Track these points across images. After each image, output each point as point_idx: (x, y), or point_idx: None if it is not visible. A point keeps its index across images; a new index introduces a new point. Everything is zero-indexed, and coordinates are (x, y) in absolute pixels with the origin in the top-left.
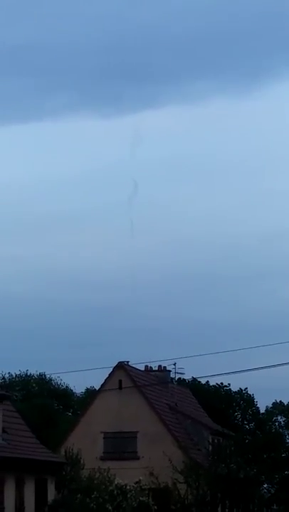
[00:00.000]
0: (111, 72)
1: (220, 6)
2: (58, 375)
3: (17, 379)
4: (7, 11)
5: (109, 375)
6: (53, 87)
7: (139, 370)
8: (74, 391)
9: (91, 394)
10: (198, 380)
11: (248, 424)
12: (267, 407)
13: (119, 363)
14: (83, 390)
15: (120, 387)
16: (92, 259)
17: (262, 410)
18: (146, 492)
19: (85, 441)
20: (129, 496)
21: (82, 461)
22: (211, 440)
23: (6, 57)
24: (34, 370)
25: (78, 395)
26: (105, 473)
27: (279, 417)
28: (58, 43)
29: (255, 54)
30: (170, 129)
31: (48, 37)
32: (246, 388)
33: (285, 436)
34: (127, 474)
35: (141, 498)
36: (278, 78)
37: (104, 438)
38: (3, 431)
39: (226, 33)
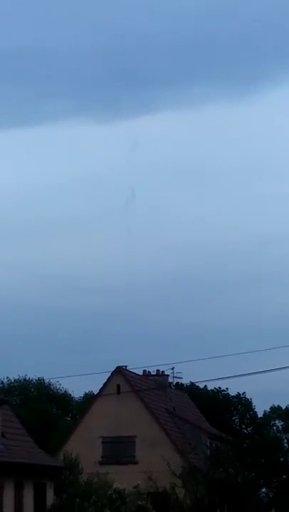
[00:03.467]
0: (108, 77)
1: (217, 11)
2: (57, 379)
3: (16, 384)
4: (4, 17)
5: (108, 379)
6: (51, 93)
7: (138, 374)
8: (72, 396)
9: (89, 398)
10: (197, 384)
11: (246, 429)
12: (265, 411)
13: (117, 367)
14: (82, 395)
15: (118, 392)
16: (90, 264)
17: (260, 414)
18: (145, 496)
19: (83, 446)
20: (127, 500)
21: (80, 466)
22: (209, 444)
23: (4, 62)
24: (33, 375)
25: (77, 399)
26: (104, 478)
27: (277, 421)
28: (55, 48)
29: (252, 59)
30: (167, 134)
31: (45, 43)
32: (244, 392)
33: (283, 440)
34: (125, 478)
35: (139, 503)
36: (275, 83)
37: (102, 442)
38: (2, 435)
39: (222, 39)
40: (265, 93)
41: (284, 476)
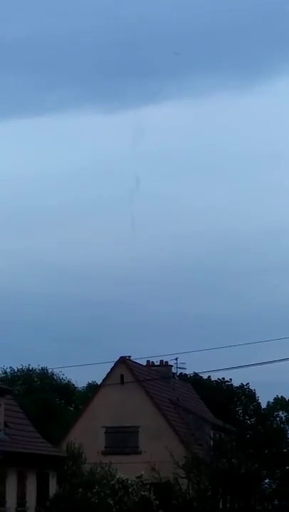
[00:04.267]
0: (113, 67)
1: (221, 1)
2: (60, 369)
3: (19, 373)
4: (10, 6)
5: (111, 369)
6: (56, 82)
7: (141, 364)
8: (76, 386)
9: (93, 388)
10: (200, 374)
11: (249, 419)
12: (268, 402)
13: (121, 357)
14: (85, 385)
15: (122, 382)
16: (94, 253)
17: (263, 405)
18: (148, 487)
19: (86, 436)
20: (130, 490)
21: (83, 456)
22: (212, 435)
23: (9, 51)
24: (36, 365)
25: (80, 389)
26: (107, 468)
27: (280, 412)
28: (60, 38)
29: (256, 49)
30: (171, 123)
31: (50, 32)
32: (248, 383)
33: (287, 431)
34: (128, 469)
35: (142, 493)
36: (279, 73)
37: (105, 432)
38: (5, 425)
39: (227, 28)
40: (269, 83)
41: (287, 467)
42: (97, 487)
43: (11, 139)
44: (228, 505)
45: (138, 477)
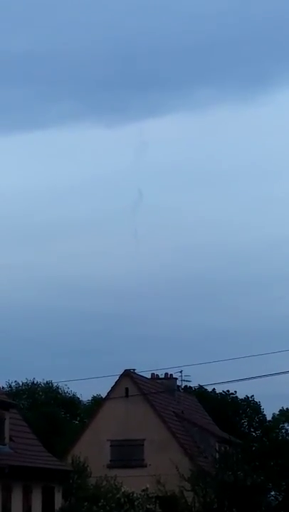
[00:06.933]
0: (115, 80)
1: (223, 13)
2: (65, 383)
3: (24, 387)
4: (12, 20)
5: (116, 382)
6: (58, 96)
7: (146, 377)
8: (81, 399)
9: (98, 402)
10: (205, 387)
11: (254, 432)
12: (273, 414)
13: (125, 370)
14: (90, 398)
15: (127, 395)
16: (98, 266)
17: (268, 417)
18: (153, 500)
19: (91, 449)
20: (136, 503)
21: (89, 469)
22: (217, 448)
23: (11, 65)
24: (41, 379)
25: (85, 403)
26: (112, 481)
27: (286, 424)
28: (62, 51)
29: (259, 61)
30: (174, 136)
31: (52, 45)
32: (253, 395)
33: None
34: (133, 482)
35: (148, 506)
36: (282, 85)
37: (111, 446)
38: (10, 439)
39: (229, 40)
40: (272, 95)
41: None
42: (102, 501)
43: (13, 153)
44: None
45: (143, 490)
